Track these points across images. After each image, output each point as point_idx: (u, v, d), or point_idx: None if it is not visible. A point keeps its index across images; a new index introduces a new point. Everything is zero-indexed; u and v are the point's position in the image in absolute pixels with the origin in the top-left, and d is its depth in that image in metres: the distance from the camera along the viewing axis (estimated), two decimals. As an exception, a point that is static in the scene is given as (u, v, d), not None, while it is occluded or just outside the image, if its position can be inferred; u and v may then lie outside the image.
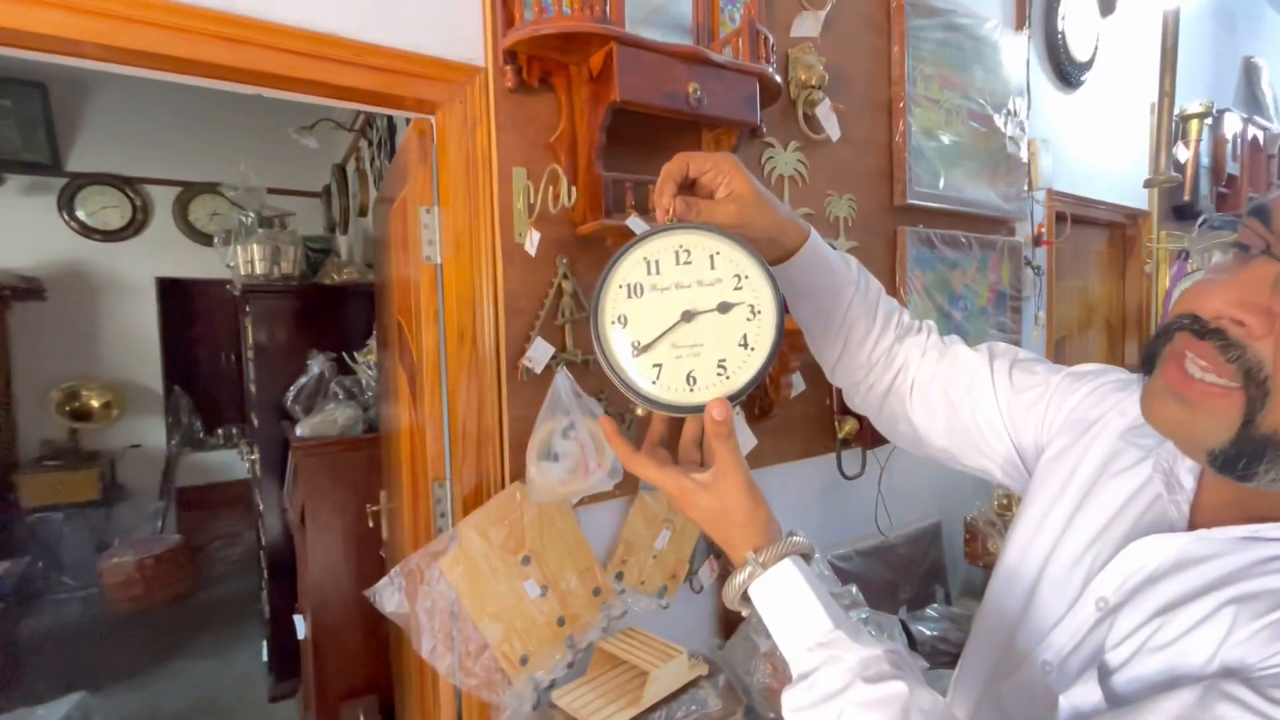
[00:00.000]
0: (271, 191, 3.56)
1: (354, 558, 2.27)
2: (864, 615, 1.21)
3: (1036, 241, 2.11)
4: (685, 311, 0.54)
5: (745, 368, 0.54)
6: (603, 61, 1.05)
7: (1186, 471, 0.52)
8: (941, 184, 1.78)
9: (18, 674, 2.90)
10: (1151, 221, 2.78)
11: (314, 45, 0.92)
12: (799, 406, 1.50)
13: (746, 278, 0.54)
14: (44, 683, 2.79)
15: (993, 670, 0.60)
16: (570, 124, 1.13)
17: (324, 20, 0.94)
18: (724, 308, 0.54)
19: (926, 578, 1.77)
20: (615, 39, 1.02)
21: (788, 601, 0.53)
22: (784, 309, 0.55)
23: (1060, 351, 2.47)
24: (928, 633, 1.49)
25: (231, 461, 4.41)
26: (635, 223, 1.09)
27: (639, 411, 0.57)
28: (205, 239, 4.09)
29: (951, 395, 0.69)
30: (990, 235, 1.94)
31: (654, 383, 0.54)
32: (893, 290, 1.70)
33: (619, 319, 0.54)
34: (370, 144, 2.96)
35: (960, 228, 1.83)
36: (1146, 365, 0.48)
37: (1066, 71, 2.24)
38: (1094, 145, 2.41)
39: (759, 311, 0.54)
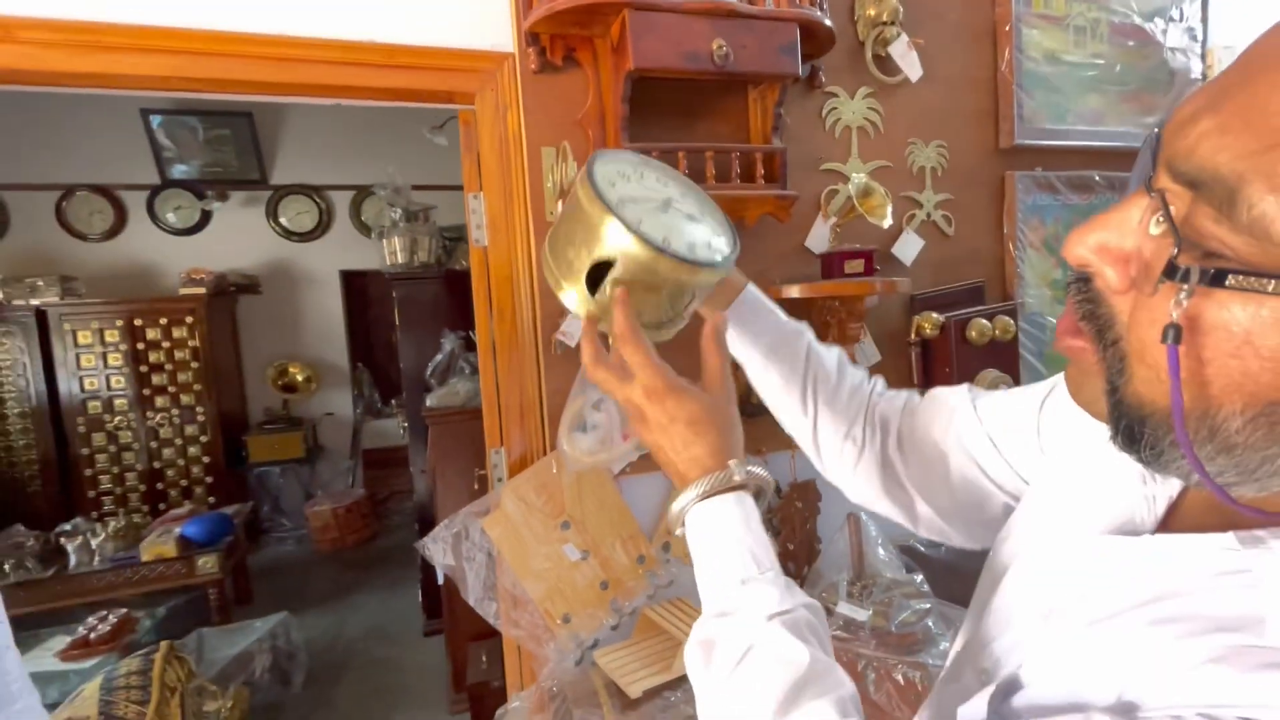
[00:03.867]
0: (420, 188, 3.97)
1: (476, 516, 2.51)
2: (926, 606, 1.11)
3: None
4: (665, 200, 0.60)
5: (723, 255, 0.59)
6: (619, 29, 1.03)
7: None
8: (1070, 117, 1.50)
9: (249, 594, 3.63)
10: None
11: (349, 53, 1.03)
12: (872, 379, 1.38)
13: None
14: (267, 603, 3.46)
15: (946, 672, 0.54)
16: (598, 97, 1.13)
17: (359, 28, 1.03)
18: (691, 218, 0.60)
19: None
20: (628, 4, 1.00)
21: (725, 535, 0.52)
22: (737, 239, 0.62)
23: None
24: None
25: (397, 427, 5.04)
26: (661, 193, 1.07)
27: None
28: (373, 234, 4.68)
29: (934, 433, 0.63)
30: (1144, 173, 1.60)
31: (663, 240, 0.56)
32: (1001, 245, 1.49)
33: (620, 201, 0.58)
34: (490, 136, 3.16)
35: (1096, 166, 1.54)
36: None
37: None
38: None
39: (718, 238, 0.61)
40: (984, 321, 1.32)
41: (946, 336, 1.32)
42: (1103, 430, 0.50)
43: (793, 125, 1.26)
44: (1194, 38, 1.61)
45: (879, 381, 0.72)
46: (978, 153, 1.45)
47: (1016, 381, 1.37)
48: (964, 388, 0.65)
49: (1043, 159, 1.49)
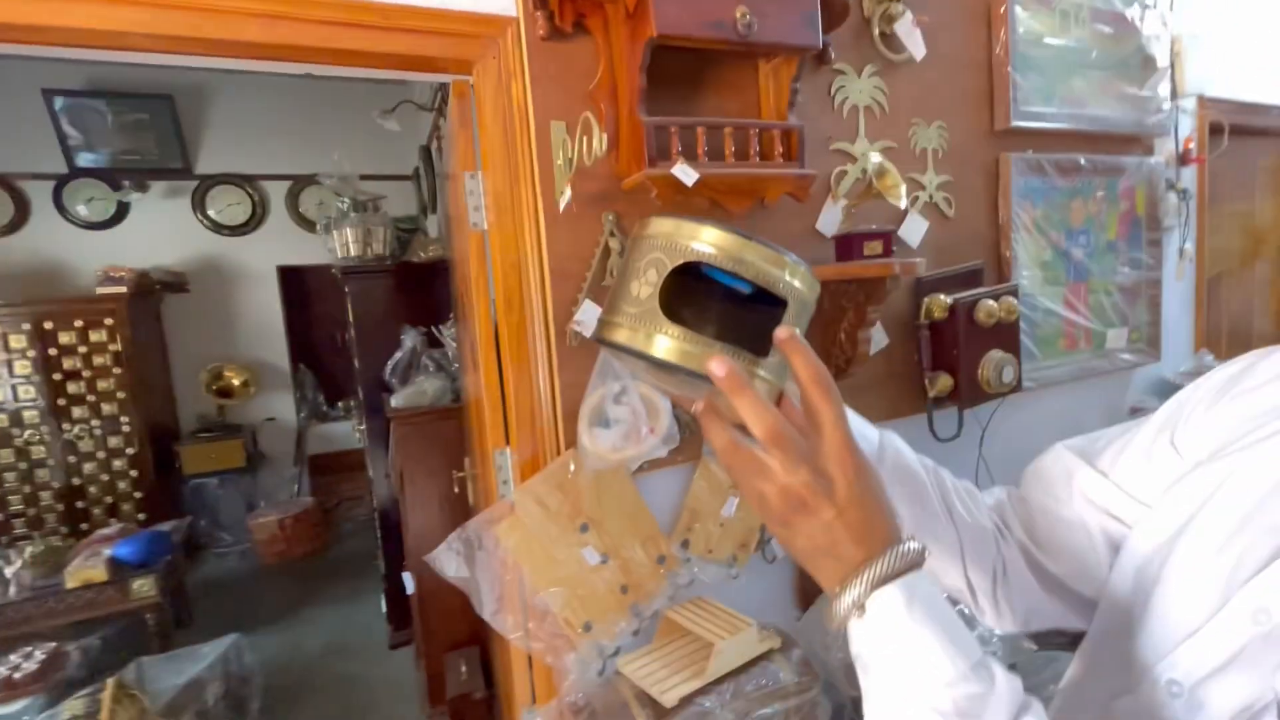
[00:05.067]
0: (366, 178, 3.75)
1: (449, 521, 2.39)
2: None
3: (1183, 160, 1.78)
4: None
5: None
6: (638, -6, 0.96)
7: None
8: (1056, 100, 1.53)
9: (190, 616, 3.35)
10: (1344, 125, 2.28)
11: (344, 13, 0.91)
12: (882, 363, 1.36)
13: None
14: (210, 624, 3.21)
15: (1107, 683, 0.49)
16: (609, 69, 1.05)
17: (349, -16, 0.92)
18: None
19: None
20: (649, -34, 0.93)
21: (939, 616, 0.41)
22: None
23: (1214, 292, 2.10)
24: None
25: (352, 431, 4.78)
26: (682, 170, 1.01)
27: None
28: (314, 227, 4.40)
29: (1062, 510, 0.56)
30: (1120, 156, 1.65)
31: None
32: (996, 227, 1.49)
33: None
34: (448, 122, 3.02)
35: (1081, 149, 1.57)
36: None
37: (1225, -52, 1.84)
38: (1262, 36, 1.98)
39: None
40: (991, 303, 1.32)
41: (954, 318, 1.31)
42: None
43: (802, 103, 1.22)
44: (1163, 25, 1.67)
45: (963, 482, 0.64)
46: (974, 134, 1.45)
47: (1018, 361, 1.38)
48: (1061, 450, 0.60)
49: (1033, 141, 1.51)
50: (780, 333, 0.43)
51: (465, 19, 0.99)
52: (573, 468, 1.07)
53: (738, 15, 0.98)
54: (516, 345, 1.08)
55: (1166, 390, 1.84)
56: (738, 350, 0.43)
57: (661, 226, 0.45)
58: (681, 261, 0.43)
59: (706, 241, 0.43)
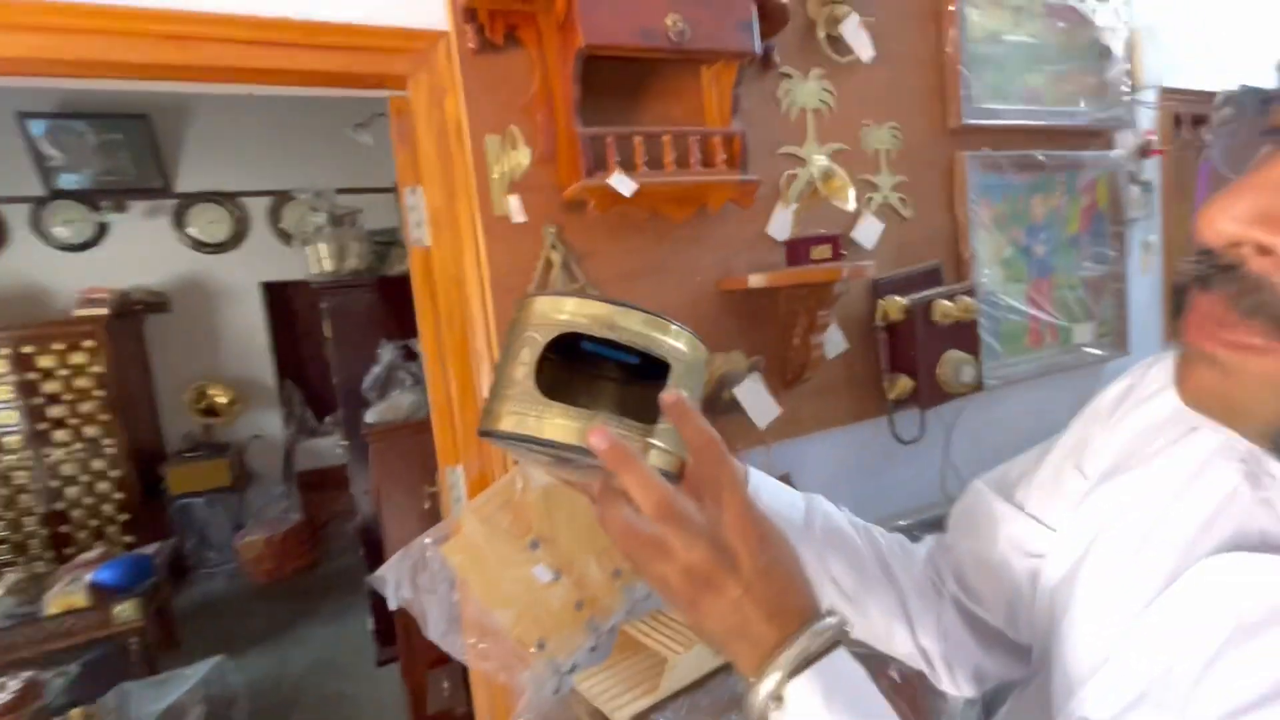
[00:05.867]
0: (345, 191, 3.74)
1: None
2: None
3: (1144, 152, 1.78)
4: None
5: None
6: (565, 3, 0.95)
7: None
8: (1013, 97, 1.52)
9: (176, 639, 3.33)
10: (1311, 112, 2.28)
11: (263, 32, 0.90)
12: (840, 367, 1.35)
13: None
14: (199, 646, 3.18)
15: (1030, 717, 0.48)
16: (545, 80, 1.04)
17: (272, 3, 0.91)
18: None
19: (1012, 548, 1.57)
20: (574, -24, 0.92)
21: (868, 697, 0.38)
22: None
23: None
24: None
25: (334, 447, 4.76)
26: (619, 180, 1.00)
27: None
28: (295, 243, 4.38)
29: (990, 553, 0.54)
30: (1080, 151, 1.65)
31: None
32: (954, 226, 1.48)
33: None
34: (419, 133, 3.00)
35: (1040, 145, 1.57)
36: (1177, 322, 0.34)
37: (1181, -61, 1.84)
38: (1220, 26, 1.98)
39: None
40: (947, 303, 1.31)
41: (912, 320, 1.31)
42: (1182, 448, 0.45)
43: (748, 108, 1.21)
44: (1116, 17, 1.66)
45: (894, 536, 0.62)
46: (928, 133, 1.44)
47: (978, 360, 1.37)
48: (979, 488, 0.58)
49: (989, 139, 1.50)
50: (666, 397, 0.40)
51: (394, 34, 0.98)
52: (520, 484, 1.06)
53: (668, 23, 0.98)
54: (460, 362, 1.07)
55: (1137, 383, 1.83)
56: (622, 420, 0.41)
57: (537, 305, 0.43)
58: (554, 335, 0.42)
59: (575, 313, 0.42)
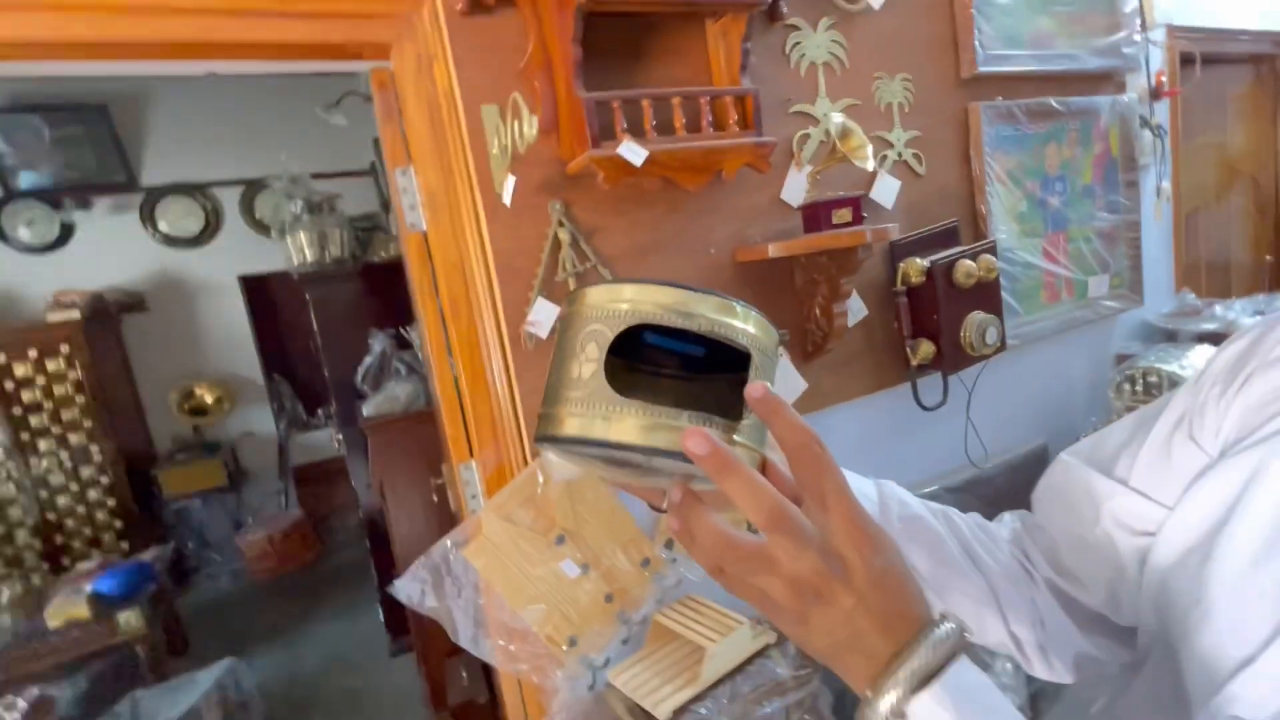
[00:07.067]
0: (320, 176, 3.61)
1: (435, 528, 2.33)
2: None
3: (1155, 94, 1.72)
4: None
5: None
6: (561, -44, 0.87)
7: None
8: (1024, 43, 1.45)
9: (184, 643, 3.29)
10: (1315, 45, 2.23)
11: (228, 0, 0.81)
12: (861, 335, 1.30)
13: None
14: (207, 649, 3.15)
15: (1149, 712, 0.44)
16: (540, 43, 0.96)
17: (235, -31, 0.81)
18: None
19: (1034, 508, 1.55)
20: (571, -76, 0.83)
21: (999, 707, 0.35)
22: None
23: (1193, 226, 2.06)
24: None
25: (330, 440, 4.69)
26: (629, 149, 0.93)
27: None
28: (272, 233, 4.24)
29: (1087, 533, 0.50)
30: (1092, 96, 1.58)
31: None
32: (970, 181, 1.42)
33: None
34: (395, 111, 2.88)
35: (1052, 92, 1.50)
36: None
37: None
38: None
39: None
40: (969, 262, 1.26)
41: (932, 282, 1.25)
42: None
43: (756, 65, 1.13)
44: (1129, -47, 1.59)
45: (972, 517, 0.58)
46: (941, 85, 1.37)
47: (1001, 321, 1.33)
48: (1070, 462, 0.54)
49: (1002, 88, 1.43)
50: (753, 391, 0.35)
51: (373, -1, 0.89)
52: (541, 480, 1.01)
53: (674, -28, 0.89)
54: (469, 352, 1.01)
55: (1152, 335, 1.81)
56: (708, 418, 0.36)
57: (593, 296, 0.38)
58: (624, 327, 0.37)
59: (646, 300, 0.37)
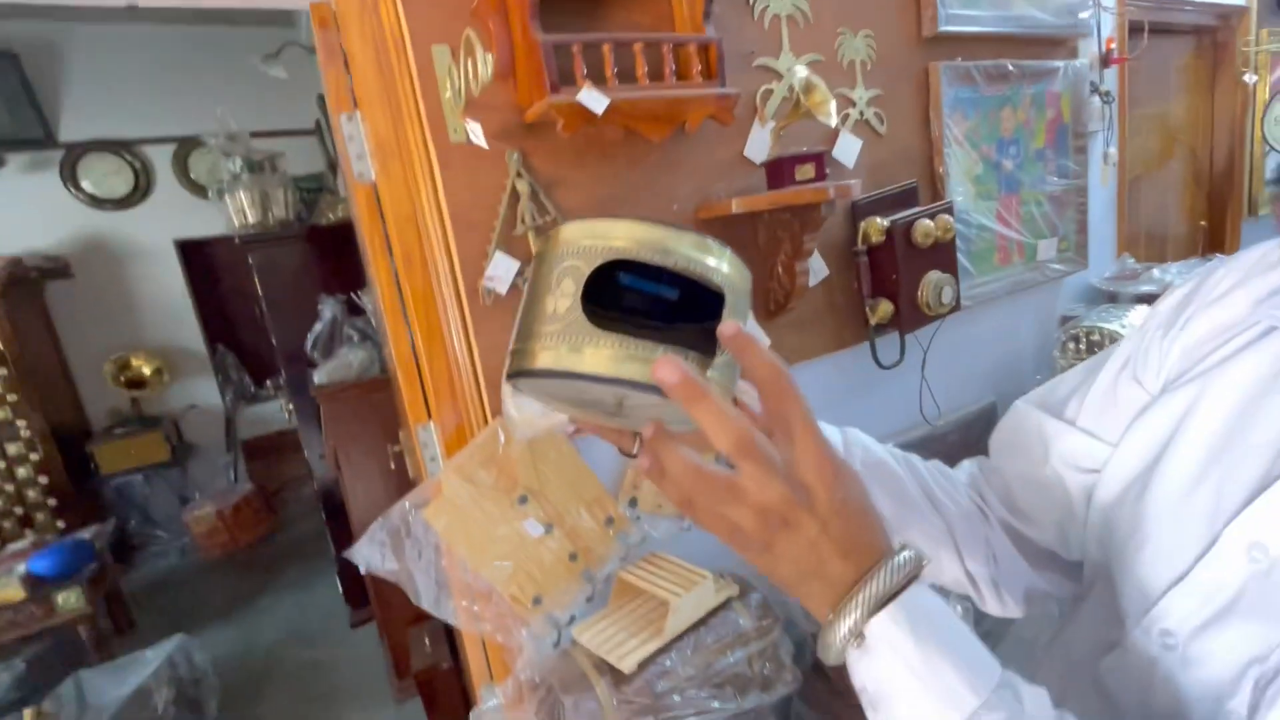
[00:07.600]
0: (260, 135, 3.40)
1: (393, 496, 2.28)
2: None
3: (1105, 61, 1.76)
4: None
5: None
6: (516, -116, 0.81)
7: None
8: (984, 3, 1.45)
9: (130, 622, 3.18)
10: (1249, 19, 2.31)
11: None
12: (821, 294, 1.31)
13: None
14: (155, 627, 3.05)
15: (1092, 639, 0.46)
16: (495, -20, 0.90)
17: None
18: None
19: (983, 463, 1.62)
20: None
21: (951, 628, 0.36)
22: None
23: (1135, 193, 2.14)
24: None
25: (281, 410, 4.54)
26: (590, 96, 0.89)
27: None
28: (209, 194, 4.01)
29: (1038, 472, 0.53)
30: (1047, 61, 1.61)
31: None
32: (929, 142, 1.43)
33: None
34: (339, 63, 2.72)
35: (1009, 54, 1.51)
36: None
37: None
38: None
39: None
40: (928, 222, 1.27)
41: (892, 241, 1.26)
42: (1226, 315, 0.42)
43: (718, 14, 1.10)
44: (1085, -84, 1.60)
45: (934, 463, 0.61)
46: (902, 43, 1.36)
47: (956, 280, 1.35)
48: (1024, 408, 0.56)
49: (962, 48, 1.43)
50: (726, 328, 0.35)
51: (311, -76, 0.82)
52: (503, 439, 0.99)
53: (636, -93, 0.85)
54: (424, 309, 0.97)
55: (1094, 297, 1.88)
56: (684, 351, 0.36)
57: (569, 232, 0.38)
58: (601, 262, 0.36)
59: (623, 236, 0.36)
